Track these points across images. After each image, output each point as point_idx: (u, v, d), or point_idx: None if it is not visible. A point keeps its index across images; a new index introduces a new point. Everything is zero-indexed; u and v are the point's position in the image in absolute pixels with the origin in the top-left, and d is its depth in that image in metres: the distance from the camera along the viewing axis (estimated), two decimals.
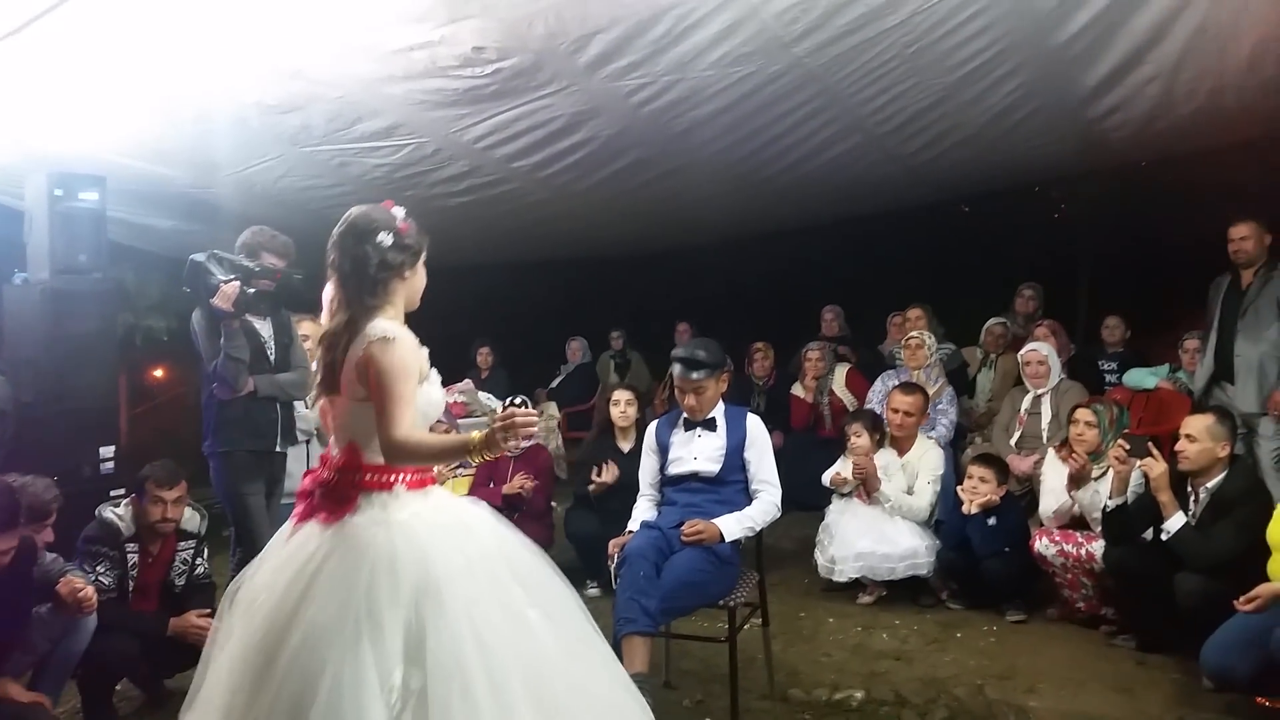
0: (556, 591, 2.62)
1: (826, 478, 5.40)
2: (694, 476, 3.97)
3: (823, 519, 5.45)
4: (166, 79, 4.55)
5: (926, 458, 5.28)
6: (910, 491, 5.22)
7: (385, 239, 2.63)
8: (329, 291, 2.71)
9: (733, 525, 3.85)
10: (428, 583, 2.38)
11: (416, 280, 2.73)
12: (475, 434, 2.53)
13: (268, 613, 2.42)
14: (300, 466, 4.80)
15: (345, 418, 2.61)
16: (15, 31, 4.05)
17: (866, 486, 5.20)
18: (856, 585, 5.25)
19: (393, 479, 2.56)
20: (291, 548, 2.55)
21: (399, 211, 2.70)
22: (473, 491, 5.49)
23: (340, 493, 2.54)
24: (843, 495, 5.34)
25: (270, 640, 2.37)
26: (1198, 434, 4.13)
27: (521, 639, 2.42)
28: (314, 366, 4.23)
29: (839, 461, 5.47)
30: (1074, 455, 4.69)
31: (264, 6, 3.91)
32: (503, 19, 4.01)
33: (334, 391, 2.61)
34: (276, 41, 4.25)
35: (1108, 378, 6.47)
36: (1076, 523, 4.78)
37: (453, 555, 2.46)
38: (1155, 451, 4.23)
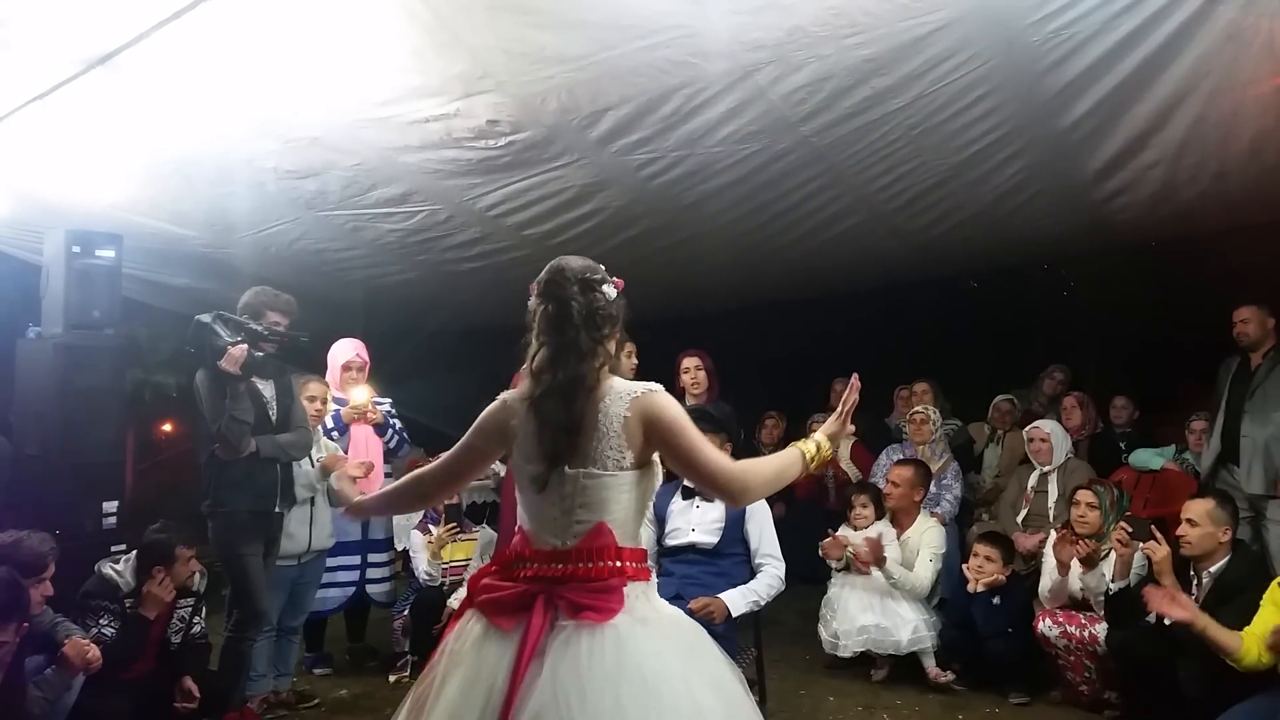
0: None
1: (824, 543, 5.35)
2: (691, 548, 3.97)
3: (825, 592, 5.41)
4: (187, 143, 4.65)
5: (927, 535, 5.26)
6: (904, 568, 5.19)
7: (610, 291, 2.42)
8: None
9: (738, 600, 3.83)
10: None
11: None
12: (809, 444, 2.40)
13: None
14: (303, 528, 4.81)
15: (595, 494, 2.30)
16: (43, 95, 4.17)
17: (873, 561, 5.14)
18: (862, 660, 5.20)
19: (647, 566, 2.37)
20: (571, 660, 2.17)
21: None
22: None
23: (605, 584, 2.26)
24: (839, 569, 5.30)
25: None
26: (1198, 518, 4.12)
27: None
28: (319, 428, 4.14)
29: (840, 528, 5.46)
30: (1082, 542, 4.66)
31: (284, 76, 4.01)
32: (517, 95, 4.10)
33: (573, 464, 2.31)
34: (296, 110, 4.35)
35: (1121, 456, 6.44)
36: (1080, 605, 4.74)
37: (692, 680, 2.22)
38: (1158, 535, 4.21)
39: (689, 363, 5.47)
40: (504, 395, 2.50)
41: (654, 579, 2.40)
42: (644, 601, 2.31)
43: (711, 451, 2.30)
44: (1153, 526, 4.26)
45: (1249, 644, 3.63)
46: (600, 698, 2.11)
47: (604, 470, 2.29)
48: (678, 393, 5.59)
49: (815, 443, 2.43)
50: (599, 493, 2.30)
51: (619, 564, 2.29)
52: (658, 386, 2.36)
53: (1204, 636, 3.71)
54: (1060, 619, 4.70)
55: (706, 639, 2.34)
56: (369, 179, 5.09)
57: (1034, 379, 7.34)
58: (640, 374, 5.70)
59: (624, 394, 2.32)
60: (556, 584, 2.26)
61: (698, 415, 4.05)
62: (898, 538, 5.31)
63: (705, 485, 2.35)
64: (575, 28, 3.64)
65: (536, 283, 2.43)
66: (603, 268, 2.46)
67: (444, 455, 2.60)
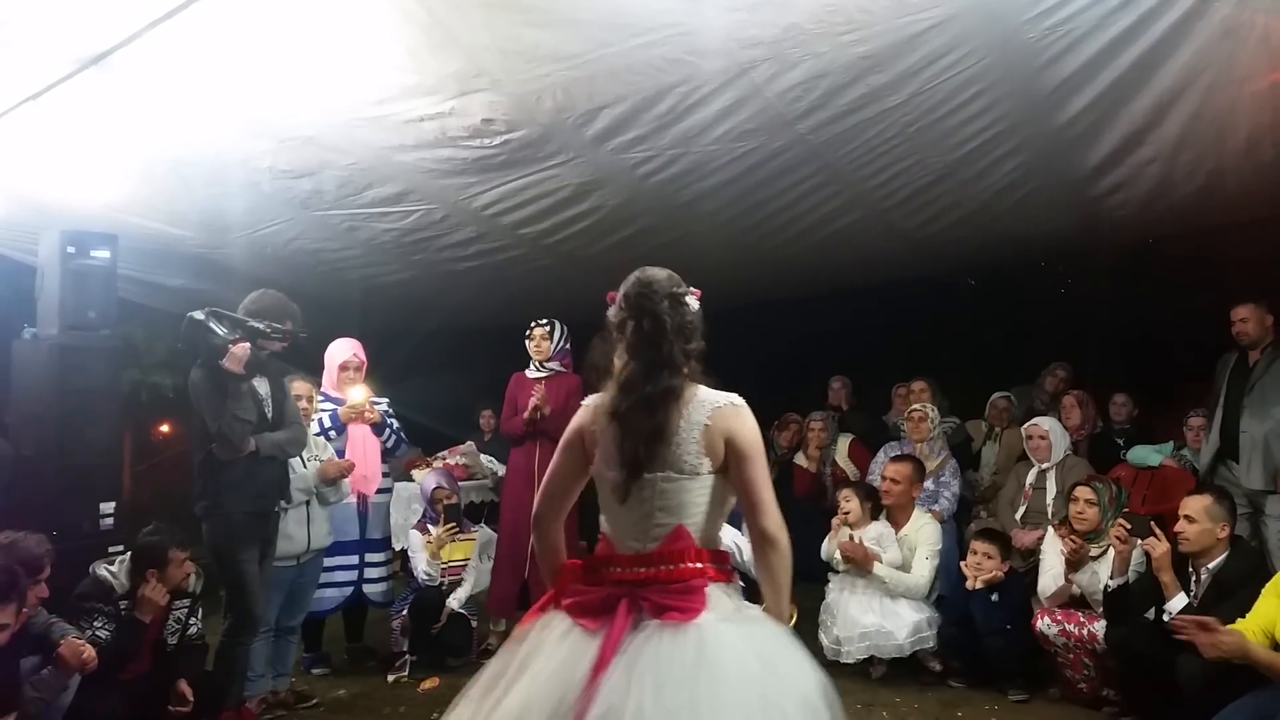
0: None
1: (824, 552, 5.34)
2: None
3: (824, 596, 5.39)
4: (181, 143, 4.64)
5: (923, 532, 5.25)
6: (905, 566, 5.18)
7: (694, 303, 2.48)
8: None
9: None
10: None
11: None
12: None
13: None
14: (300, 528, 4.80)
15: (674, 497, 2.36)
16: (37, 95, 4.16)
17: (861, 566, 5.14)
18: (865, 660, 5.17)
19: (729, 569, 2.42)
20: (650, 654, 2.21)
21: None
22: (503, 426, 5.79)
23: (687, 585, 2.32)
24: (840, 571, 5.29)
25: None
26: (1196, 515, 4.11)
27: None
28: (312, 427, 4.04)
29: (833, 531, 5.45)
30: (1070, 538, 4.66)
31: (278, 76, 4.00)
32: (512, 93, 4.09)
33: (651, 469, 2.35)
34: (290, 109, 4.34)
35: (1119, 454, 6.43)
36: (1078, 602, 4.73)
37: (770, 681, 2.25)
38: (1158, 531, 4.20)
39: None
40: (590, 399, 2.55)
41: (737, 580, 2.45)
42: (728, 601, 2.35)
43: (770, 498, 2.39)
44: (1152, 523, 4.26)
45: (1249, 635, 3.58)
46: (677, 692, 2.13)
47: (681, 474, 2.36)
48: None
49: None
50: (677, 496, 2.36)
51: (700, 565, 2.35)
52: (740, 400, 2.42)
53: (1252, 660, 3.54)
54: (1059, 617, 4.69)
55: (790, 642, 2.36)
56: (364, 178, 5.08)
57: (1031, 376, 7.34)
58: None
59: (706, 402, 2.39)
60: (640, 586, 2.32)
61: None
62: (896, 533, 5.30)
63: (752, 516, 2.41)
64: (570, 26, 3.63)
65: (623, 296, 2.47)
66: (680, 279, 2.51)
67: (545, 481, 2.63)
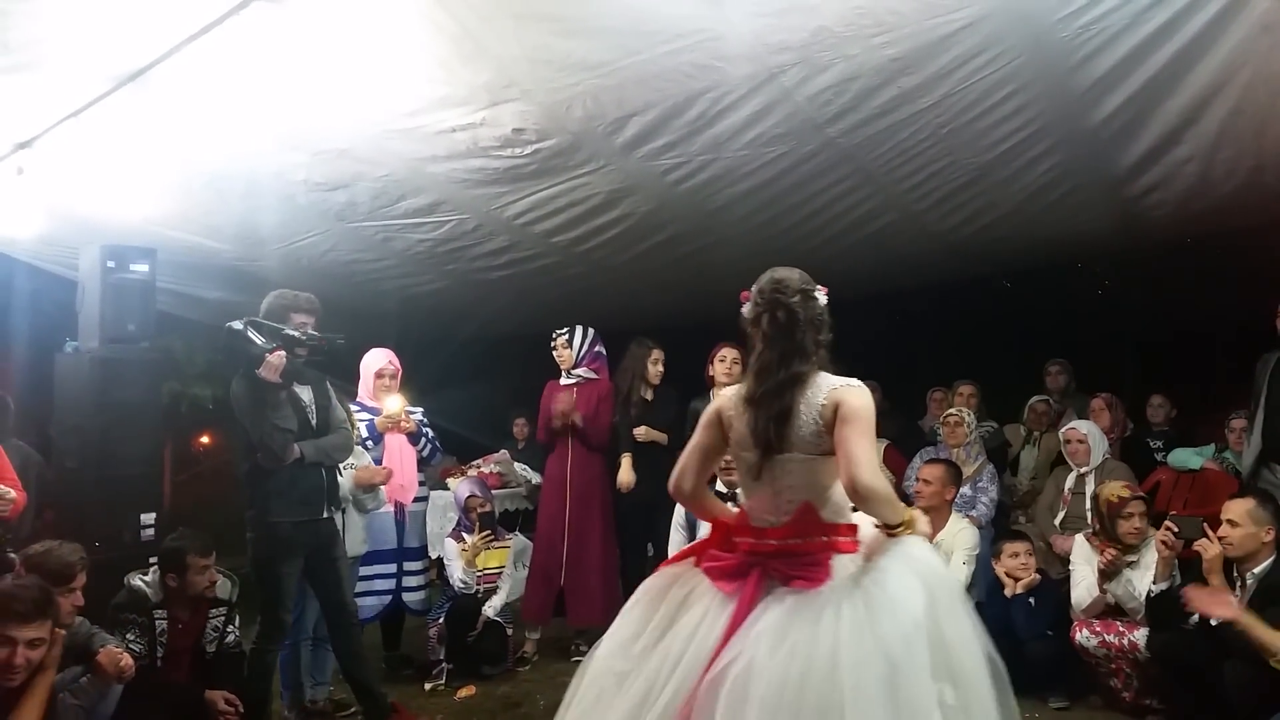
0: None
1: None
2: None
3: None
4: (217, 157, 4.71)
5: (960, 536, 5.18)
6: None
7: (823, 298, 2.72)
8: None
9: None
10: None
11: None
12: (914, 513, 2.63)
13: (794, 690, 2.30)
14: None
15: (800, 476, 2.58)
16: (76, 113, 4.24)
17: None
18: None
19: (856, 541, 2.58)
20: (772, 617, 2.44)
21: None
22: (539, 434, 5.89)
23: (813, 558, 2.52)
24: None
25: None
26: (1239, 518, 4.04)
27: None
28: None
29: None
30: (1109, 550, 4.58)
31: (312, 89, 4.04)
32: (542, 102, 4.11)
33: (781, 450, 2.57)
34: (324, 122, 4.39)
35: (1154, 457, 6.33)
36: (1115, 611, 4.65)
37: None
38: (1210, 532, 4.13)
39: (728, 353, 5.50)
40: (724, 390, 2.84)
41: (861, 551, 2.58)
42: (853, 570, 2.52)
43: (866, 446, 2.49)
44: (1205, 524, 4.18)
45: None
46: (792, 652, 2.33)
47: (806, 454, 2.56)
48: (707, 383, 5.57)
49: (914, 518, 2.65)
50: (804, 475, 2.57)
51: (825, 538, 2.55)
52: (857, 382, 2.61)
53: (1247, 636, 3.63)
54: (1097, 628, 4.61)
55: (909, 615, 2.43)
56: (398, 190, 5.13)
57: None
58: (667, 377, 5.75)
59: (825, 385, 2.59)
60: (770, 557, 2.55)
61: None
62: (930, 541, 5.22)
63: (844, 468, 2.49)
64: (599, 34, 3.64)
65: (757, 292, 2.72)
66: (809, 277, 2.75)
67: (685, 455, 2.83)
